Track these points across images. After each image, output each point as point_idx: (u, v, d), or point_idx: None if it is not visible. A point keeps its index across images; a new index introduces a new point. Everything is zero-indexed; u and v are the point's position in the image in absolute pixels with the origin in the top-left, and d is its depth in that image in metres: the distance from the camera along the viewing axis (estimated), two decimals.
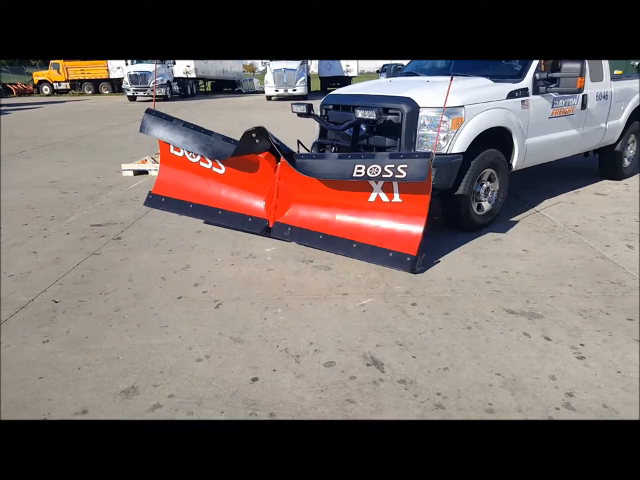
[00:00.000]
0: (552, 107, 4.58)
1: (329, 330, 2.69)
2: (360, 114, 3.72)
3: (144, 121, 3.93)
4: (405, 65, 5.60)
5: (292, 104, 4.38)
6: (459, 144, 3.83)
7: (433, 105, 3.77)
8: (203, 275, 3.40)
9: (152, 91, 22.56)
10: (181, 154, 4.05)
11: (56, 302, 3.04)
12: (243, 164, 3.85)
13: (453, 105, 3.71)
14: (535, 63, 4.37)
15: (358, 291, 3.16)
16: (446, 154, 3.80)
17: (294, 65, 22.72)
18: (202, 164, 4.02)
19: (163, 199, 4.13)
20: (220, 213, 3.98)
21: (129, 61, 23.30)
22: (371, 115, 3.65)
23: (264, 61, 24.38)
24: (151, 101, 22.85)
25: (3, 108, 19.76)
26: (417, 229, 3.37)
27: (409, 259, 3.38)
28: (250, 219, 3.90)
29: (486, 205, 4.27)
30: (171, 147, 4.05)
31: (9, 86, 30.89)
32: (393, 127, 3.88)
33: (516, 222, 4.53)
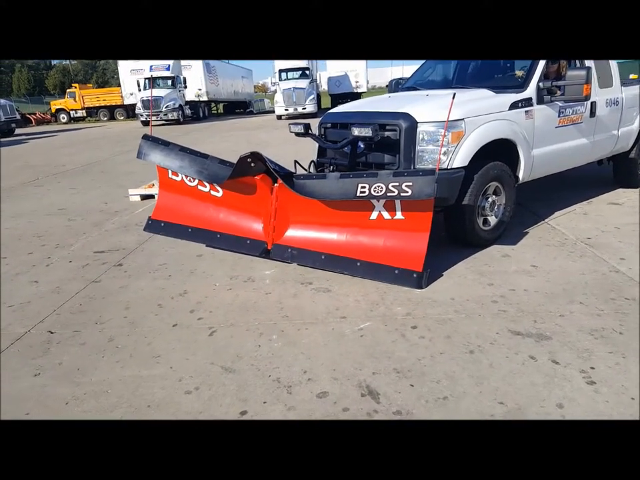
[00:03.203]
0: (558, 116, 4.45)
1: (324, 357, 2.58)
2: (356, 132, 3.66)
3: (141, 146, 3.94)
4: (406, 79, 5.55)
5: (289, 124, 4.35)
6: (460, 158, 3.72)
7: (431, 120, 3.69)
8: (199, 301, 3.34)
9: (164, 115, 23.02)
10: (179, 178, 4.03)
11: (51, 333, 3.00)
12: (240, 186, 3.81)
13: (453, 119, 3.61)
14: (538, 72, 4.26)
15: (356, 314, 3.05)
16: (447, 169, 3.70)
17: (303, 83, 23.01)
18: (200, 187, 3.99)
19: (162, 224, 4.11)
20: (219, 236, 3.94)
21: (142, 87, 23.82)
22: (367, 132, 3.59)
23: (274, 80, 24.67)
24: (164, 124, 23.39)
25: (21, 137, 20.37)
26: (421, 245, 3.30)
27: (415, 275, 3.31)
28: (248, 242, 3.85)
29: (492, 220, 4.14)
30: (169, 172, 4.04)
31: (28, 116, 31.96)
32: (391, 144, 3.81)
33: (525, 235, 4.38)
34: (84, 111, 32.33)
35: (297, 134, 4.28)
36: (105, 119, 31.58)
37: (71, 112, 32.55)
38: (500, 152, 4.05)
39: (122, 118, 31.19)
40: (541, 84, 4.23)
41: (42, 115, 33.58)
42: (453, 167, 3.71)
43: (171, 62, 24.43)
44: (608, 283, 3.34)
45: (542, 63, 4.30)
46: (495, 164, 3.96)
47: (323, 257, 3.60)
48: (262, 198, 3.79)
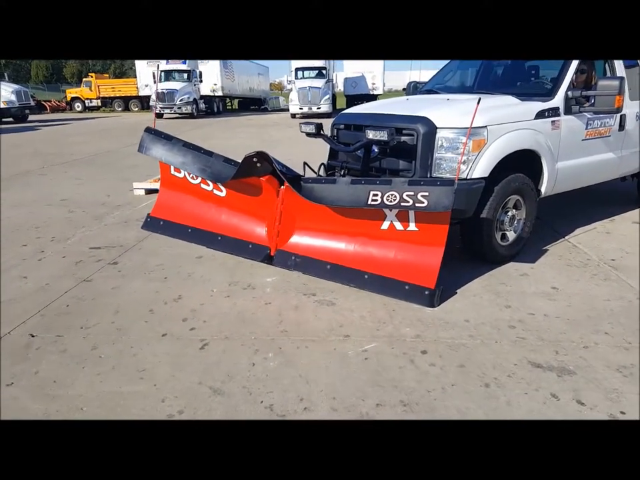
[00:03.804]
0: (586, 128, 4.18)
1: (324, 382, 2.35)
2: (371, 134, 3.42)
3: (143, 140, 3.73)
4: (425, 82, 5.30)
5: (300, 123, 4.11)
6: (481, 168, 3.47)
7: (451, 126, 3.44)
8: (194, 308, 3.12)
9: (178, 108, 22.89)
10: (181, 175, 3.82)
11: (32, 336, 2.80)
12: (244, 187, 3.59)
13: (475, 126, 3.36)
14: (568, 80, 3.99)
15: (361, 332, 2.81)
16: (466, 179, 3.45)
17: (319, 83, 22.79)
18: (203, 186, 3.78)
19: (161, 222, 3.90)
20: (219, 238, 3.72)
21: (157, 79, 23.73)
22: (382, 135, 3.35)
23: (290, 79, 24.47)
24: (178, 118, 23.29)
25: (34, 124, 20.36)
26: (435, 260, 3.07)
27: (427, 292, 3.07)
28: (250, 246, 3.62)
29: (511, 235, 3.88)
30: (172, 168, 3.83)
31: (43, 103, 32.06)
32: (407, 149, 3.56)
33: (544, 253, 4.11)
34: (99, 101, 32.35)
35: (308, 134, 4.04)
36: (120, 109, 31.55)
37: (86, 101, 32.57)
38: (522, 163, 3.79)
39: (136, 109, 31.14)
40: (569, 93, 3.96)
41: (57, 102, 33.68)
42: (473, 177, 3.46)
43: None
44: (635, 311, 3.07)
45: (571, 70, 4.03)
46: (517, 176, 3.70)
47: (328, 267, 3.37)
48: (267, 200, 3.57)
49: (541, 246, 4.27)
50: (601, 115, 4.18)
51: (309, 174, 3.89)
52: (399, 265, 3.21)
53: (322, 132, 4.01)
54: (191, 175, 3.76)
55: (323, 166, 4.03)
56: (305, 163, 3.95)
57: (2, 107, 20.22)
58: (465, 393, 2.27)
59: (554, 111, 3.87)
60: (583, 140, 4.20)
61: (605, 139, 4.43)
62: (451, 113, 3.56)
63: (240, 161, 3.31)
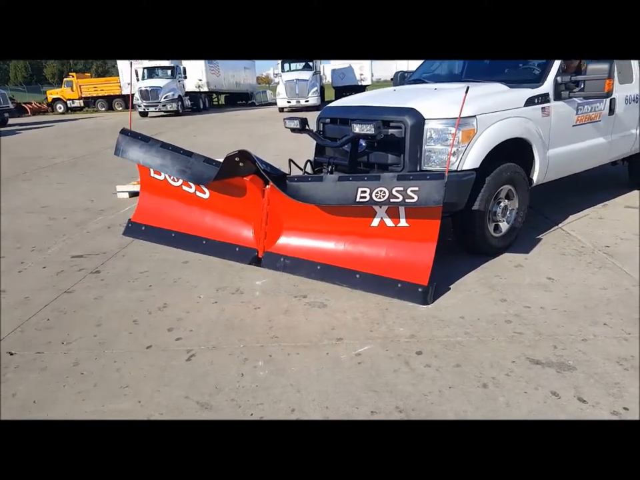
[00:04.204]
0: (576, 114, 4.10)
1: (316, 390, 2.25)
2: (357, 129, 3.30)
3: (118, 142, 3.59)
4: (412, 72, 5.18)
5: (284, 119, 3.98)
6: (471, 159, 3.37)
7: (440, 116, 3.34)
8: (180, 317, 3.01)
9: (163, 106, 22.55)
10: (162, 177, 3.69)
11: (11, 354, 2.67)
12: (228, 188, 3.46)
13: (464, 115, 3.26)
14: (557, 65, 3.89)
15: (354, 335, 2.72)
16: (456, 171, 3.35)
17: (306, 75, 22.52)
18: (184, 188, 3.65)
19: (143, 228, 3.77)
20: (204, 242, 3.60)
21: (140, 77, 23.33)
22: (369, 129, 3.23)
23: (276, 72, 24.17)
24: (164, 115, 22.95)
25: (14, 128, 19.95)
26: (428, 256, 2.98)
27: (420, 289, 2.98)
28: (237, 249, 3.51)
29: (504, 226, 3.80)
30: (152, 171, 3.69)
31: (23, 105, 31.43)
32: (395, 142, 3.45)
33: (538, 242, 4.04)
34: (81, 101, 31.77)
35: (293, 129, 3.92)
36: (103, 109, 31.03)
37: (68, 102, 31.97)
38: (513, 152, 3.70)
39: (120, 108, 30.65)
40: (559, 78, 3.86)
41: (38, 104, 33.01)
42: (463, 168, 3.37)
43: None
44: (633, 300, 3.01)
45: None
46: (508, 165, 3.61)
47: (318, 267, 3.27)
48: (252, 201, 3.45)
49: (535, 235, 4.20)
50: (591, 100, 4.10)
51: (296, 171, 3.78)
52: (390, 262, 3.11)
53: (307, 127, 3.89)
54: (172, 177, 3.62)
55: (309, 163, 3.91)
56: (290, 160, 3.82)
57: None
58: (463, 394, 2.18)
59: (544, 97, 3.78)
60: (573, 126, 4.12)
61: (595, 124, 4.35)
62: (439, 103, 3.46)
63: (221, 161, 3.19)
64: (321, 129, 4.04)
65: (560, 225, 4.46)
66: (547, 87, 3.81)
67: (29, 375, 2.47)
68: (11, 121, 22.47)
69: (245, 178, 3.34)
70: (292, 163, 3.80)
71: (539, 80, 3.83)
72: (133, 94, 22.40)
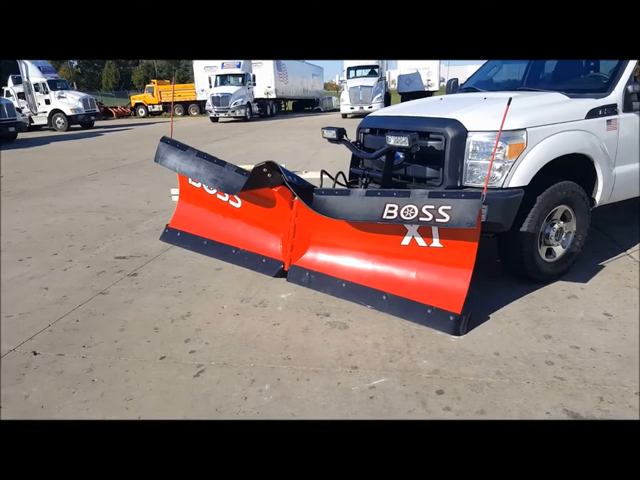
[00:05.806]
0: None
1: None
2: (392, 140, 3.10)
3: (159, 149, 3.64)
4: (466, 80, 4.86)
5: (322, 128, 3.85)
6: (519, 176, 3.06)
7: (485, 129, 3.06)
8: (199, 328, 2.97)
9: (232, 112, 23.30)
10: (198, 185, 3.70)
11: (35, 354, 2.75)
12: (258, 198, 3.41)
13: (511, 128, 2.98)
14: (628, 72, 3.46)
15: (372, 364, 2.52)
16: (502, 188, 3.06)
17: (371, 81, 22.42)
18: (219, 196, 3.63)
19: (178, 234, 3.81)
20: (234, 251, 3.56)
21: (212, 84, 24.29)
22: (403, 141, 3.02)
23: (342, 78, 24.22)
24: (232, 121, 23.72)
25: (99, 130, 21.51)
26: (463, 282, 2.72)
27: (451, 318, 2.74)
28: (264, 260, 3.43)
29: (558, 250, 3.42)
30: (190, 178, 3.71)
31: (109, 109, 33.89)
32: (435, 155, 3.22)
33: (599, 270, 3.60)
34: (160, 106, 33.76)
35: (330, 140, 3.78)
36: (180, 114, 32.71)
37: (149, 106, 34.10)
38: (572, 169, 3.32)
39: (195, 113, 32.17)
40: (630, 87, 3.42)
41: (123, 108, 35.50)
42: (510, 186, 3.06)
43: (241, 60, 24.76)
44: None
45: (632, 62, 3.49)
46: (565, 184, 3.25)
47: (344, 285, 3.11)
48: (281, 213, 3.36)
49: (597, 261, 3.75)
50: None
51: (329, 183, 3.64)
52: (421, 285, 2.89)
53: (344, 137, 3.73)
54: (208, 186, 3.62)
55: (341, 174, 3.75)
56: (323, 171, 3.69)
57: (70, 114, 21.52)
58: None
59: (610, 109, 3.36)
60: None
61: None
62: (484, 114, 3.17)
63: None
64: (361, 139, 3.88)
65: (628, 251, 3.96)
66: (615, 96, 3.38)
67: (45, 377, 2.53)
68: (96, 123, 24.28)
69: (273, 189, 3.26)
70: (324, 174, 3.66)
71: (605, 89, 3.42)
72: (212, 97, 23.31)
